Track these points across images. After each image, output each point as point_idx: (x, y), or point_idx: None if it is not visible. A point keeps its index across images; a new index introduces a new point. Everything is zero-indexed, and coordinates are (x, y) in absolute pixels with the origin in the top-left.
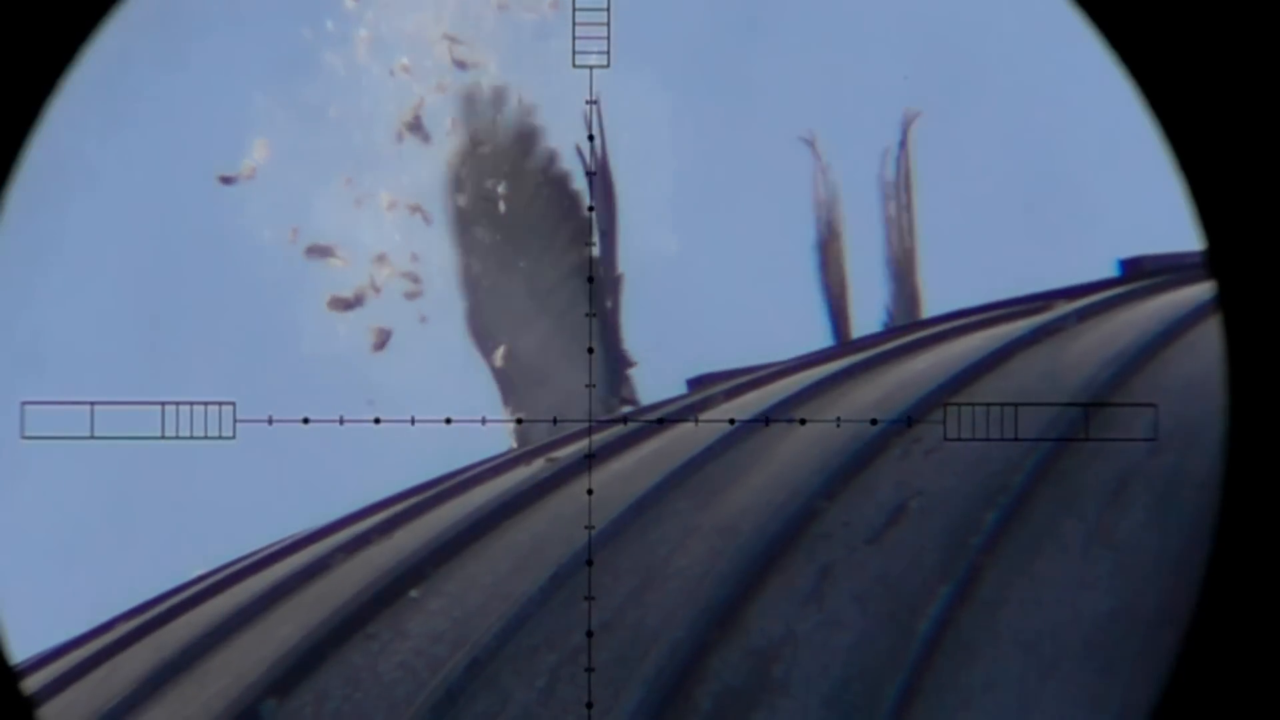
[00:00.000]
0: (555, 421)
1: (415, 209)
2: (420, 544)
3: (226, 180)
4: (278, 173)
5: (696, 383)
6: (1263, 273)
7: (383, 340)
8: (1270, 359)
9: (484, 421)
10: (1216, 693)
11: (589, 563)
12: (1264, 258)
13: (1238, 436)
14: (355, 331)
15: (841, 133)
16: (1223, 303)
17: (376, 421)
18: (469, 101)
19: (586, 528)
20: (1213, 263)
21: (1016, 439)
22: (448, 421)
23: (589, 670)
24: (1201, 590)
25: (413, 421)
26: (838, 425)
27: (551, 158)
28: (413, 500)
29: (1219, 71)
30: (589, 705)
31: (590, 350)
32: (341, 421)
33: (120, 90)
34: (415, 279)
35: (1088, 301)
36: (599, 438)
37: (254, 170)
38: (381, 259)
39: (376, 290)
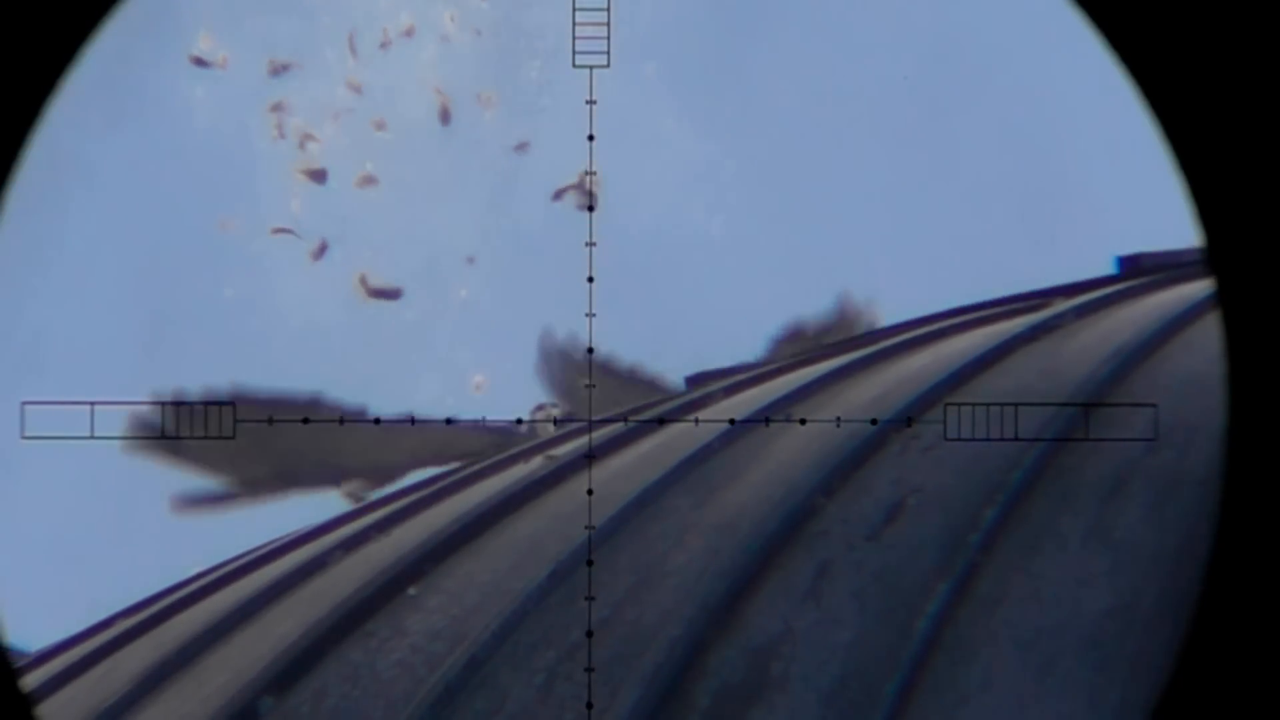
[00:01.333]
0: (555, 422)
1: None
2: (419, 541)
3: (200, 63)
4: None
5: (695, 380)
6: (1262, 271)
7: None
8: (1270, 357)
9: (484, 421)
10: (1216, 691)
11: (588, 561)
12: (1263, 256)
13: (1237, 434)
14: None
15: (840, 132)
16: (1222, 300)
17: (377, 422)
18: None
19: (586, 526)
20: (1212, 260)
21: (1016, 439)
22: (448, 422)
23: (588, 669)
24: (1201, 588)
25: (413, 421)
26: (837, 425)
27: None
28: (411, 498)
29: (1219, 71)
30: (588, 704)
31: (590, 350)
32: (341, 422)
33: (120, 90)
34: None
35: (1086, 299)
36: (597, 435)
37: (225, 60)
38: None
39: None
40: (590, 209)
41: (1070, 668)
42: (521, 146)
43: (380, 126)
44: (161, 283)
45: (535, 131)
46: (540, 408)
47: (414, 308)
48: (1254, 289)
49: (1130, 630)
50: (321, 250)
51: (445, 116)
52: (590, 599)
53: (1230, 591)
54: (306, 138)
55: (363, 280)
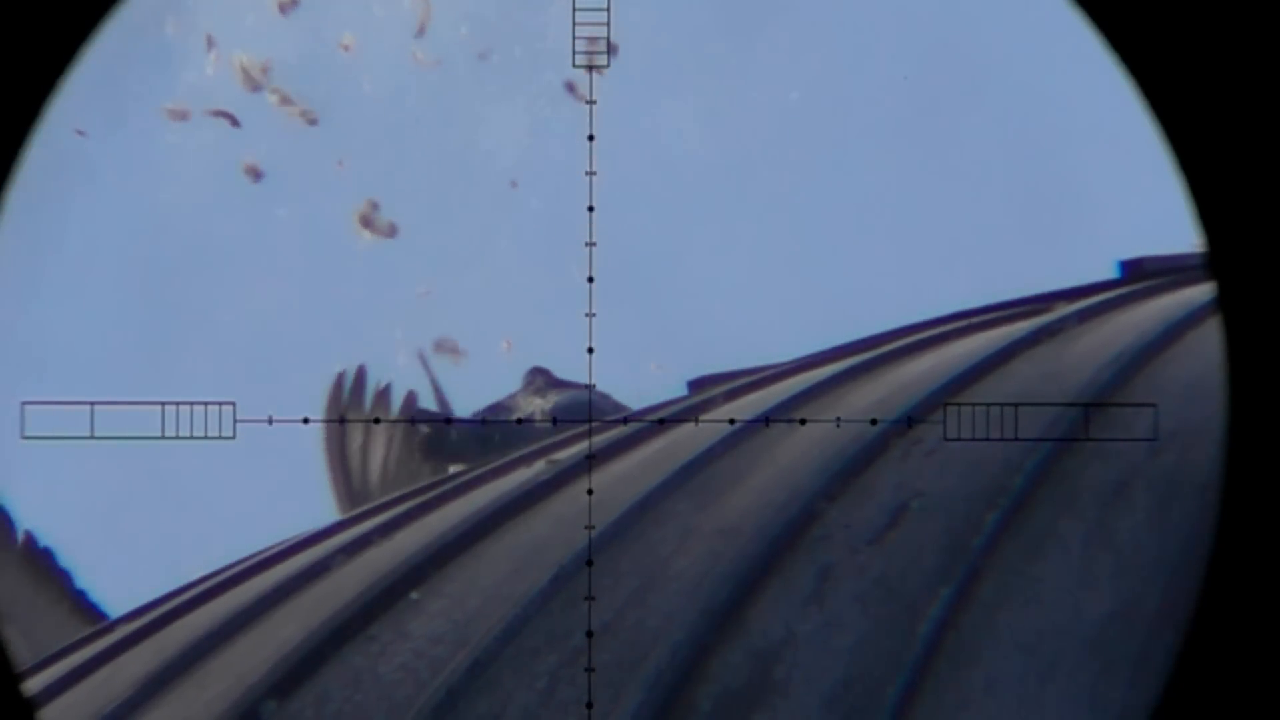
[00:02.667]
0: (555, 422)
1: None
2: (421, 546)
3: None
4: None
5: (697, 384)
6: (1263, 273)
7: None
8: (1270, 359)
9: (484, 423)
10: (1216, 693)
11: (589, 564)
12: (1264, 258)
13: (1237, 436)
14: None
15: (841, 131)
16: (1222, 303)
17: (376, 421)
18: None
19: (587, 528)
20: (1212, 263)
21: (1016, 439)
22: (447, 421)
23: (589, 671)
24: (1201, 590)
25: (412, 422)
26: (837, 425)
27: None
28: (413, 502)
29: (1219, 71)
30: (588, 705)
31: (590, 350)
32: (341, 421)
33: (120, 90)
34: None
35: (1088, 303)
36: (599, 439)
37: None
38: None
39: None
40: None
41: (1072, 671)
42: (484, 55)
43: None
44: (161, 282)
45: (531, 150)
46: (534, 374)
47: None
48: (1255, 291)
49: (1132, 633)
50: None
51: (422, 29)
52: (590, 599)
53: (1231, 594)
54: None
55: (364, 215)
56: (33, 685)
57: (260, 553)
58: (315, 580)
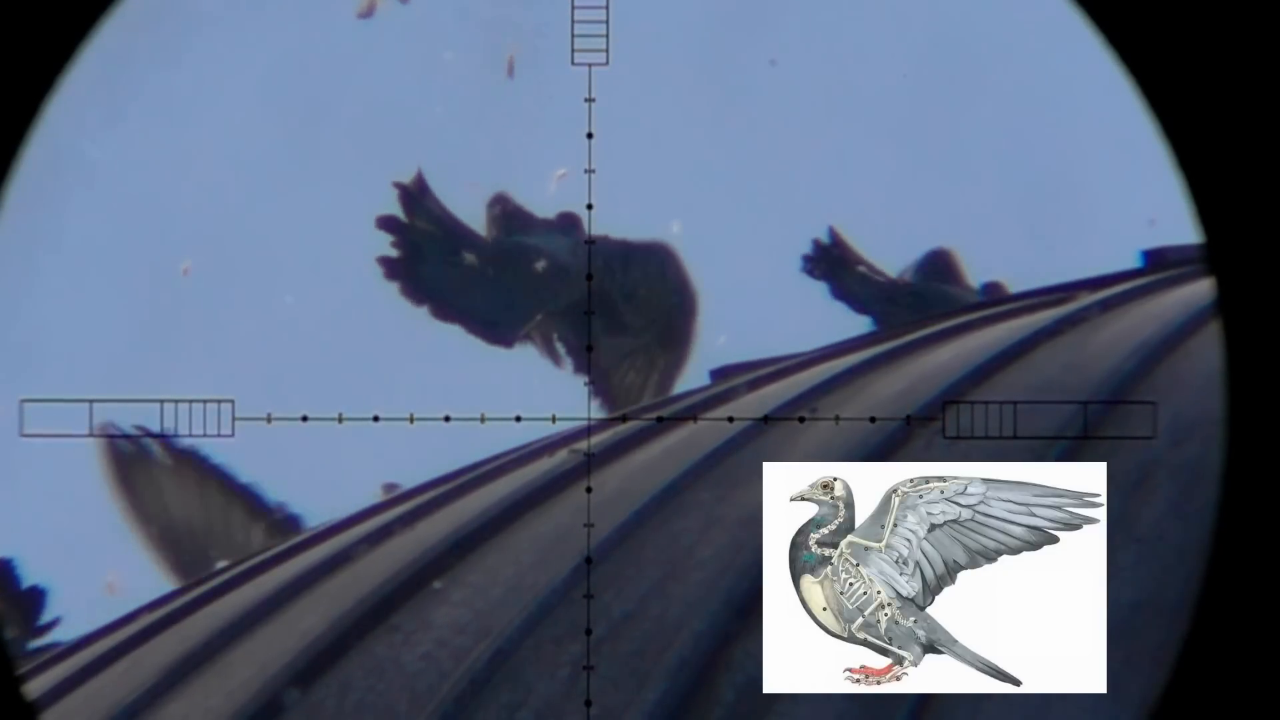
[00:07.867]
0: (554, 420)
1: None
2: (443, 536)
3: None
4: None
5: (720, 374)
6: (1262, 272)
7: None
8: (1270, 358)
9: (483, 420)
10: (1219, 685)
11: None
12: (1264, 257)
13: (1237, 433)
14: None
15: (841, 130)
16: (1222, 301)
17: (375, 420)
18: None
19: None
20: (1211, 261)
21: (1015, 437)
22: (446, 420)
23: (587, 669)
24: (1203, 583)
25: (411, 420)
26: (836, 422)
27: None
28: (435, 492)
29: (1219, 71)
30: (588, 701)
31: (589, 349)
32: (340, 419)
33: (118, 88)
34: None
35: (1111, 292)
36: (621, 430)
37: None
38: None
39: None
40: None
41: None
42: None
43: None
44: (161, 280)
45: (527, 139)
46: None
47: None
48: (1254, 289)
49: (1155, 622)
50: None
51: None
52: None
53: (1233, 586)
54: None
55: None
56: (58, 672)
57: (283, 542)
58: (338, 570)
